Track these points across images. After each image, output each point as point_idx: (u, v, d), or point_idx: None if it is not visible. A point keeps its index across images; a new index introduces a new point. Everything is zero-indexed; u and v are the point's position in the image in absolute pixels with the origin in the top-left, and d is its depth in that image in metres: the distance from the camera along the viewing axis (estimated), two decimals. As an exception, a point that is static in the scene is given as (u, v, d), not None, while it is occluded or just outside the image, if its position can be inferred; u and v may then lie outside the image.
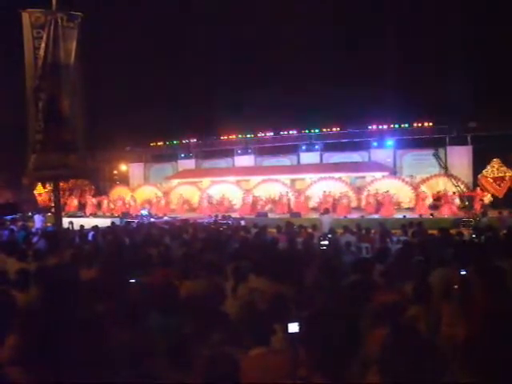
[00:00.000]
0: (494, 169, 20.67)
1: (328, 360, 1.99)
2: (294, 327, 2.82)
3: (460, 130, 23.01)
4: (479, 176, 21.05)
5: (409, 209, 20.02)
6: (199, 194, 24.70)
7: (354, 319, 2.60)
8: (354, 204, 21.10)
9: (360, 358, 2.24)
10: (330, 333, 2.04)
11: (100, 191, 29.67)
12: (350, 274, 4.88)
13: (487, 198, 19.07)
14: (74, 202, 26.52)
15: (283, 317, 3.13)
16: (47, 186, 25.63)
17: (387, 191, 19.59)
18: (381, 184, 21.20)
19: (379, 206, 19.34)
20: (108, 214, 23.34)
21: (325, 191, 20.82)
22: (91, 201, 25.77)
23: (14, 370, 2.14)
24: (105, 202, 25.55)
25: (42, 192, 28.60)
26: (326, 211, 15.25)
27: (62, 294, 2.59)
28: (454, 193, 18.91)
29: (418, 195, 20.07)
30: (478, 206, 17.98)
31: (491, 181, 20.52)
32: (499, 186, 20.29)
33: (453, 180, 19.34)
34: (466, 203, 17.96)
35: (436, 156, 19.76)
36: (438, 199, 19.51)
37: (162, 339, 2.83)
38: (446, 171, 19.46)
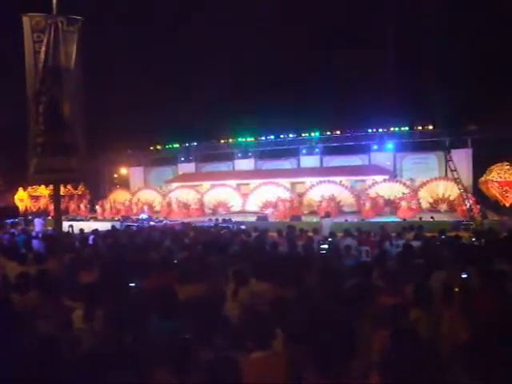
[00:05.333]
0: (501, 172, 19.81)
1: (326, 361, 1.99)
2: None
3: (460, 132, 22.99)
4: (482, 179, 20.70)
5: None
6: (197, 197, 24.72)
7: (352, 322, 2.60)
8: (353, 207, 21.13)
9: (360, 360, 2.24)
10: (328, 335, 2.04)
11: (100, 194, 29.74)
12: (350, 277, 4.88)
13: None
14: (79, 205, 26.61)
15: (284, 320, 3.13)
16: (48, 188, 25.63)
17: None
18: (381, 187, 21.18)
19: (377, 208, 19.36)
20: (108, 218, 23.35)
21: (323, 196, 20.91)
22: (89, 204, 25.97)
23: None
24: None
25: (23, 197, 28.47)
26: (327, 215, 15.23)
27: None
28: (463, 198, 18.56)
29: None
30: (475, 209, 17.82)
31: (497, 185, 19.75)
32: (506, 192, 19.47)
33: (459, 184, 19.01)
34: (468, 206, 17.88)
35: (449, 158, 19.51)
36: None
37: (163, 343, 2.82)
38: (453, 174, 19.13)
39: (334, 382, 1.95)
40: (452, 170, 19.01)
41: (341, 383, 1.95)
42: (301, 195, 22.61)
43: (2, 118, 20.17)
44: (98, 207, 25.65)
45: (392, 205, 19.94)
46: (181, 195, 25.14)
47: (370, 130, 25.65)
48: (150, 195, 26.82)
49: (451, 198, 20.16)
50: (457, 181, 18.90)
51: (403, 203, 18.92)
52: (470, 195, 19.06)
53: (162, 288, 3.93)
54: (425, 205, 20.76)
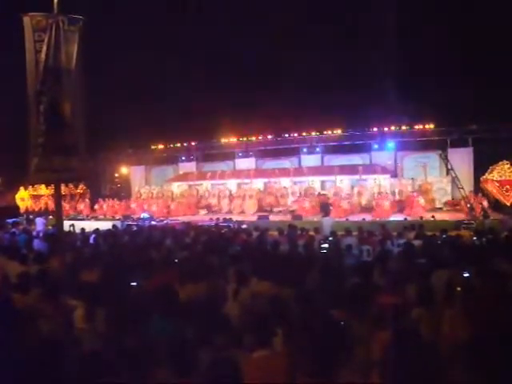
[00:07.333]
0: (502, 171, 19.60)
1: (323, 361, 1.99)
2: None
3: (461, 132, 22.95)
4: (482, 179, 20.65)
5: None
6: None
7: (350, 321, 2.60)
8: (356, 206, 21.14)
9: (360, 360, 2.24)
10: (324, 335, 2.04)
11: (101, 194, 29.78)
12: (351, 276, 4.87)
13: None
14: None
15: (284, 320, 3.12)
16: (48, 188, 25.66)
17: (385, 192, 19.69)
18: (386, 187, 21.19)
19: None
20: (109, 217, 23.36)
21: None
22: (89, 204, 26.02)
23: None
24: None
25: (24, 197, 28.44)
26: (327, 214, 15.24)
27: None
28: (463, 196, 18.41)
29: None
30: (478, 209, 17.73)
31: (497, 185, 19.53)
32: (506, 191, 19.26)
33: (457, 182, 18.99)
34: (469, 205, 17.84)
35: (443, 157, 19.49)
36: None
37: (163, 343, 2.82)
38: (451, 173, 19.08)
39: (332, 381, 1.95)
40: (449, 169, 19.02)
41: (340, 383, 1.95)
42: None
43: (3, 118, 20.18)
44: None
45: (401, 204, 19.88)
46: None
47: (370, 129, 25.60)
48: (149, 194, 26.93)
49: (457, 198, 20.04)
50: (455, 180, 18.91)
51: (419, 201, 18.83)
52: (472, 194, 19.05)
53: (162, 287, 3.93)
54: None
